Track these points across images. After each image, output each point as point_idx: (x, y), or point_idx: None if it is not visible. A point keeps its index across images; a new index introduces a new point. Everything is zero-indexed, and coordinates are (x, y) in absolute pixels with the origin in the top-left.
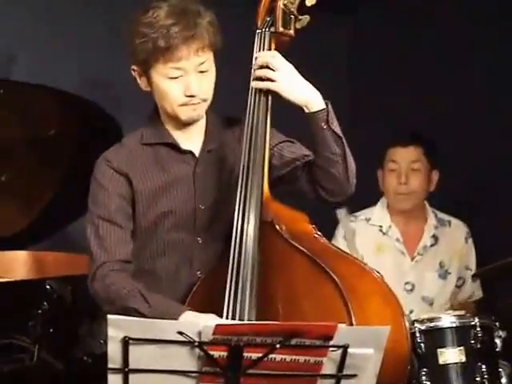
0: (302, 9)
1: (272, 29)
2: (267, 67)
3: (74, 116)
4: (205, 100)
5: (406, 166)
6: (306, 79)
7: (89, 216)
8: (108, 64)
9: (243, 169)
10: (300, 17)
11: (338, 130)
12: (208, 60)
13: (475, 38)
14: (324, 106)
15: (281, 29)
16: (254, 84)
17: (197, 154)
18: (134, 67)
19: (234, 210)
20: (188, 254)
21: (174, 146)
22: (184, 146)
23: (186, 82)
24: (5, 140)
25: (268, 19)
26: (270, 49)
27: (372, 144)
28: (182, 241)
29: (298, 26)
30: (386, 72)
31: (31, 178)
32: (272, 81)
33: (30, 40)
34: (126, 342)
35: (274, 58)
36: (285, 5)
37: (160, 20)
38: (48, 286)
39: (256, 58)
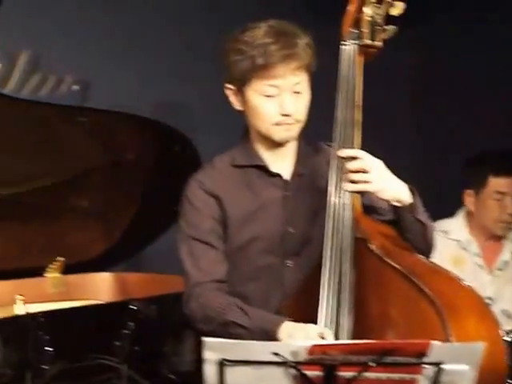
0: (388, 19)
1: (359, 41)
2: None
3: (152, 140)
4: (298, 121)
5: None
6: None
7: (182, 236)
8: (184, 88)
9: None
10: (386, 27)
11: (422, 217)
12: (303, 81)
13: None
14: (412, 200)
15: (368, 41)
16: (348, 187)
17: (286, 177)
18: (228, 85)
19: (325, 229)
20: (278, 278)
21: (264, 169)
22: (274, 168)
23: (281, 100)
24: (87, 166)
25: (354, 31)
26: (357, 62)
27: (447, 157)
28: (272, 265)
29: (385, 36)
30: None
31: (112, 201)
32: (367, 182)
33: (107, 68)
34: (221, 364)
35: (364, 161)
36: (371, 16)
37: (258, 38)
38: (134, 307)
39: (339, 157)
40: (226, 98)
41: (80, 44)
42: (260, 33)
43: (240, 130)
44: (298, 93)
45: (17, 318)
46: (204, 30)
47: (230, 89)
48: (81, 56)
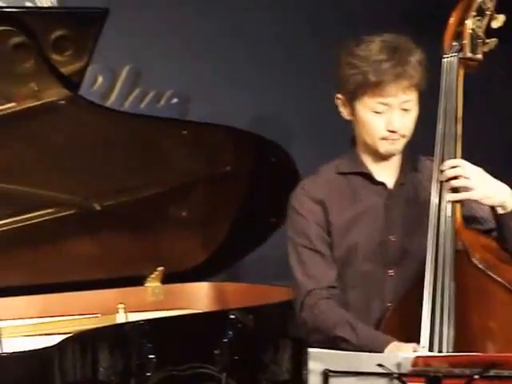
0: (489, 32)
1: (460, 54)
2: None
3: (249, 152)
4: (404, 136)
5: None
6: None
7: (290, 244)
8: (281, 101)
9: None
10: (487, 40)
11: None
12: (412, 100)
13: None
14: None
15: (469, 54)
16: (450, 197)
17: (389, 187)
18: (339, 96)
19: (427, 241)
20: (379, 286)
21: (368, 177)
22: (378, 177)
23: (389, 117)
24: (187, 177)
25: (455, 44)
26: (457, 74)
27: None
28: (373, 273)
29: (486, 49)
30: None
31: (210, 212)
32: (469, 189)
33: (205, 81)
34: (326, 375)
35: (464, 168)
36: (472, 29)
37: (373, 54)
38: (232, 316)
39: (442, 171)
40: (322, 110)
41: (179, 58)
42: (374, 48)
43: (336, 141)
44: (407, 110)
45: (122, 325)
46: (302, 44)
47: (340, 99)
48: (180, 70)
